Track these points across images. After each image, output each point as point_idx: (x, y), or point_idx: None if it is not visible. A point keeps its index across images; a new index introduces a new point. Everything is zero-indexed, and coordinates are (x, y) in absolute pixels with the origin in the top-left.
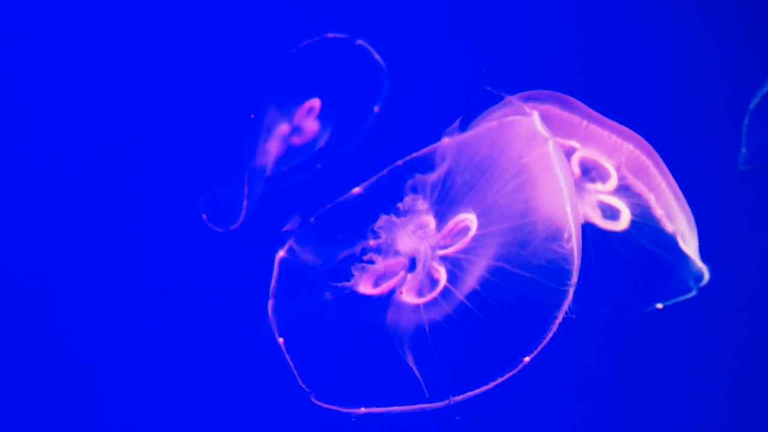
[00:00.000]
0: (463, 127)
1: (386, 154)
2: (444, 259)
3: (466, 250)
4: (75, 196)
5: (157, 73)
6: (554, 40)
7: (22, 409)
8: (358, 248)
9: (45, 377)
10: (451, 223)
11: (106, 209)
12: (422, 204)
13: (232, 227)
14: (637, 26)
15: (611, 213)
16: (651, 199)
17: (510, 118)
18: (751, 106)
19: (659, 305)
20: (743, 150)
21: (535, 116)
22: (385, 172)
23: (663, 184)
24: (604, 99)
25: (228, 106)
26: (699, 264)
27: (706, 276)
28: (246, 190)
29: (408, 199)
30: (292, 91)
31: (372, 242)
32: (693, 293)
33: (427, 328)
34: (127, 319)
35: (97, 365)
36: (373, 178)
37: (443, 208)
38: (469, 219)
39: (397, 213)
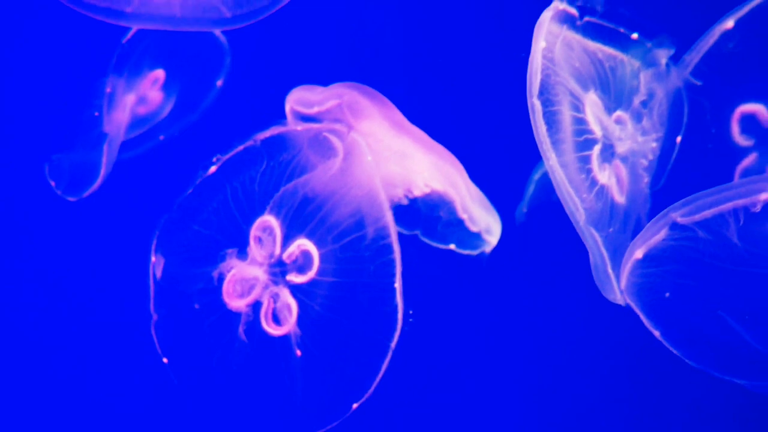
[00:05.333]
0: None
1: (230, 128)
2: (292, 287)
3: (311, 283)
4: None
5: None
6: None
7: None
8: (216, 256)
9: None
10: (293, 246)
11: None
12: (269, 216)
13: (85, 194)
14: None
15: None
16: (455, 203)
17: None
18: (535, 177)
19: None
20: (524, 209)
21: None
22: (237, 151)
23: (464, 192)
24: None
25: (74, 75)
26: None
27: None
28: (104, 159)
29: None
30: (138, 62)
31: (228, 252)
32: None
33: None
34: None
35: None
36: (225, 158)
37: (286, 218)
38: (308, 246)
39: (248, 217)
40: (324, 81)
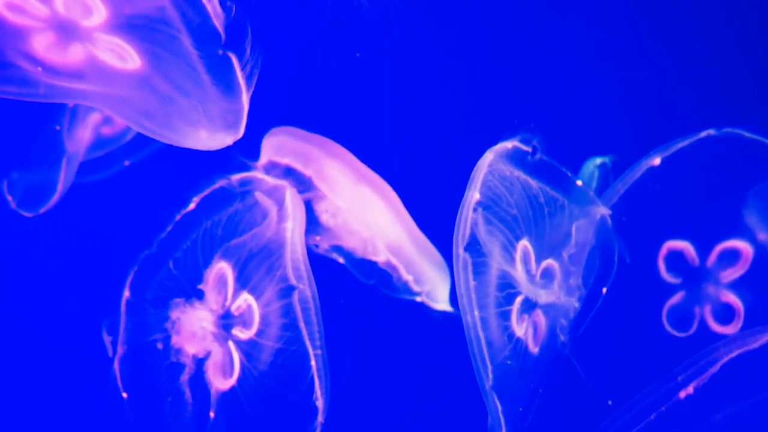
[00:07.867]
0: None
1: (196, 160)
2: (237, 342)
3: (252, 344)
4: None
5: None
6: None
7: None
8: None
9: None
10: (240, 299)
11: None
12: (225, 263)
13: (41, 210)
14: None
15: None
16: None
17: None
18: None
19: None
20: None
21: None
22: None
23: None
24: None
25: None
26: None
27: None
28: (62, 175)
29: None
30: None
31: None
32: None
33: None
34: None
35: None
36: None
37: (235, 268)
38: (251, 302)
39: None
40: (298, 122)
